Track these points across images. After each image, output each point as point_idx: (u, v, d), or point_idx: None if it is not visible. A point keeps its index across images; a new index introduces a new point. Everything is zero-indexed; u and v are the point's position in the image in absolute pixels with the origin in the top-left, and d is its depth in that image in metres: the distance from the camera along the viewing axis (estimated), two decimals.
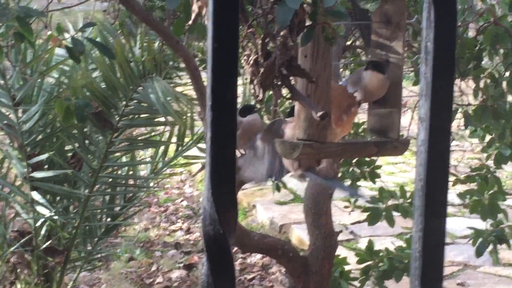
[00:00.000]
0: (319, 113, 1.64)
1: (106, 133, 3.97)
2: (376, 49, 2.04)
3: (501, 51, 3.45)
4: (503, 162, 3.60)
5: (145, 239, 6.47)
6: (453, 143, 7.33)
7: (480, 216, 3.44)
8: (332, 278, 3.63)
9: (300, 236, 5.94)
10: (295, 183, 4.13)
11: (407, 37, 3.34)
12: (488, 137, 3.70)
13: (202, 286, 0.89)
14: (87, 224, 4.23)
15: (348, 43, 3.65)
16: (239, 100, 4.24)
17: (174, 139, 4.38)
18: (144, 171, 4.76)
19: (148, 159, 4.90)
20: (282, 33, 1.64)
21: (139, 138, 4.48)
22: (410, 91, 3.90)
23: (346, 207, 3.81)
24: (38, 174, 3.98)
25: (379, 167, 3.69)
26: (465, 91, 3.60)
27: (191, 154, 4.39)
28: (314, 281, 3.45)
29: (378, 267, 3.62)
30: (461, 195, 3.47)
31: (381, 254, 3.66)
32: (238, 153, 2.62)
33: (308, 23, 1.69)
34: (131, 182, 4.48)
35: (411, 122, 3.52)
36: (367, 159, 3.67)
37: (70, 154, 4.13)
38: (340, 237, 3.79)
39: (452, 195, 3.24)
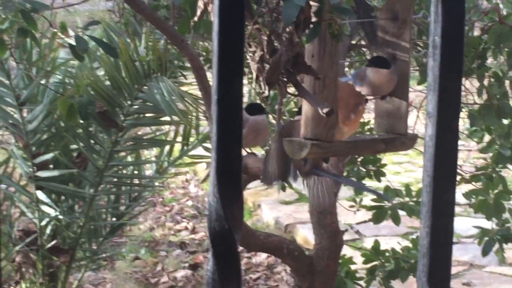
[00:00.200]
0: (325, 110, 1.63)
1: (111, 133, 3.97)
2: (383, 45, 2.04)
3: (506, 50, 3.44)
4: (501, 163, 3.59)
5: (150, 238, 6.46)
6: (459, 142, 7.32)
7: (485, 215, 3.43)
8: (338, 278, 3.62)
9: (305, 235, 5.93)
10: (299, 182, 4.11)
11: (412, 35, 3.33)
12: (487, 137, 3.69)
13: (207, 282, 0.89)
14: (92, 224, 4.23)
15: (353, 42, 3.64)
16: (245, 99, 4.24)
17: (179, 139, 4.38)
18: (149, 170, 4.76)
19: (153, 159, 4.90)
20: (288, 30, 1.64)
21: (144, 137, 4.48)
22: (415, 91, 3.89)
23: (351, 206, 3.80)
24: (43, 174, 3.98)
25: (384, 165, 3.69)
26: (470, 90, 3.59)
27: (196, 153, 4.39)
28: (319, 280, 3.44)
29: (384, 267, 3.61)
30: (466, 195, 3.46)
31: (387, 254, 3.65)
32: (244, 152, 2.61)
33: (313, 20, 1.68)
34: (136, 181, 4.48)
35: (417, 121, 3.51)
36: (372, 157, 3.66)
37: (75, 153, 4.13)
38: (346, 237, 3.78)
39: (458, 195, 3.23)
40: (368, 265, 3.68)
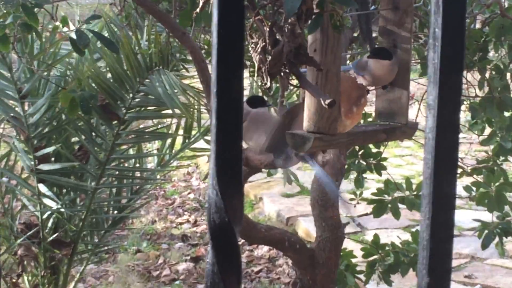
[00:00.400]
0: (327, 101, 1.63)
1: (112, 126, 3.96)
2: (384, 34, 2.04)
3: (507, 42, 3.44)
4: (503, 155, 3.59)
5: (152, 231, 6.47)
6: (460, 135, 7.33)
7: (487, 208, 3.43)
8: (338, 271, 3.62)
9: (307, 228, 5.94)
10: (302, 175, 4.12)
11: (413, 28, 3.33)
12: (488, 130, 3.69)
13: (207, 275, 0.88)
14: (94, 217, 4.23)
15: (355, 34, 3.63)
16: (247, 92, 4.24)
17: (181, 132, 4.38)
18: (151, 163, 4.76)
19: (155, 152, 4.89)
20: (290, 21, 1.63)
21: (146, 130, 4.48)
22: (417, 83, 3.89)
23: (351, 199, 3.80)
24: (44, 167, 3.98)
25: (385, 159, 3.68)
26: (471, 83, 3.59)
27: (198, 146, 4.39)
28: (321, 273, 3.44)
29: (384, 261, 3.61)
30: (467, 188, 3.46)
31: (387, 248, 3.65)
32: (245, 145, 2.61)
33: (316, 11, 1.68)
34: (138, 174, 4.48)
35: (418, 114, 3.51)
36: (374, 151, 3.66)
37: (76, 146, 4.13)
38: (347, 230, 3.79)
39: (459, 188, 3.23)
40: (368, 259, 3.68)
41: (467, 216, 5.80)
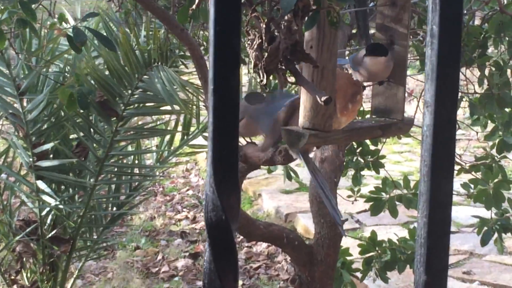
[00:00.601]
0: (323, 98, 1.63)
1: (111, 122, 3.96)
2: (381, 29, 2.04)
3: (506, 39, 3.44)
4: (506, 150, 3.59)
5: (151, 228, 6.48)
6: (459, 132, 7.33)
7: (485, 205, 3.43)
8: (336, 268, 3.62)
9: (305, 225, 5.94)
10: (301, 172, 4.12)
11: (412, 25, 3.33)
12: (490, 125, 3.69)
13: (204, 273, 0.88)
14: (93, 213, 4.24)
15: (354, 31, 3.63)
16: (246, 89, 4.23)
17: (179, 128, 4.37)
18: (149, 160, 4.76)
19: (153, 148, 4.90)
20: (286, 18, 1.63)
21: (145, 127, 4.48)
22: (416, 80, 3.89)
23: (349, 196, 3.80)
24: (43, 163, 3.98)
25: (383, 157, 3.68)
26: (471, 79, 3.59)
27: (197, 143, 4.39)
28: (319, 270, 3.44)
29: (381, 258, 3.60)
30: (465, 186, 3.46)
31: (384, 245, 3.65)
32: (244, 141, 2.61)
33: (312, 8, 1.68)
34: (136, 171, 4.48)
35: (417, 110, 3.51)
36: (372, 148, 3.66)
37: (75, 143, 4.13)
38: (346, 226, 3.79)
39: (457, 184, 3.24)
40: (365, 256, 3.68)
41: (465, 212, 5.81)
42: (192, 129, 4.36)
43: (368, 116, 2.18)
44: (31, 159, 3.99)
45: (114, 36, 3.97)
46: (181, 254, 5.95)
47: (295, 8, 1.60)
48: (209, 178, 0.86)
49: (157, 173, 4.89)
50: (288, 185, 6.54)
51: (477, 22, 3.77)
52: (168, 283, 5.52)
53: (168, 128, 4.48)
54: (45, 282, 4.16)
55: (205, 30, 3.89)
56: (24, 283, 4.23)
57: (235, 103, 0.87)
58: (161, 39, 3.85)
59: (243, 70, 4.01)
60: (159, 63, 3.87)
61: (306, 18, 1.66)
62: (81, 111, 3.83)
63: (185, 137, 4.33)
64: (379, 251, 3.60)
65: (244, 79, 4.94)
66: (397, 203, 3.44)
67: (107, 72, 3.94)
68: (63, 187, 4.20)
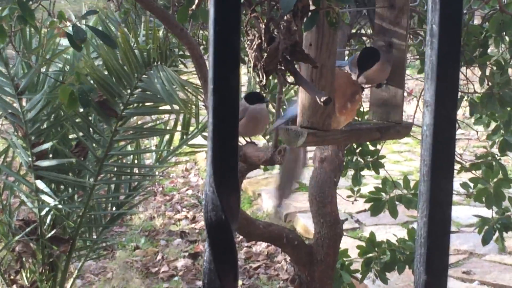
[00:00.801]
0: (323, 98, 1.63)
1: (110, 122, 3.96)
2: (379, 33, 2.03)
3: (507, 38, 3.43)
4: (508, 149, 3.59)
5: (150, 228, 6.47)
6: (459, 131, 7.33)
7: (485, 204, 3.43)
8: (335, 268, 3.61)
9: (305, 224, 5.94)
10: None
11: (412, 24, 3.33)
12: (493, 124, 3.69)
13: (204, 273, 0.88)
14: (92, 213, 4.23)
15: (354, 31, 3.63)
16: (245, 88, 4.23)
17: (179, 128, 4.37)
18: (149, 159, 4.76)
19: (153, 148, 4.89)
20: (285, 18, 1.63)
21: (144, 126, 4.47)
22: (416, 80, 3.89)
23: (349, 196, 3.80)
24: (42, 163, 3.98)
25: (383, 157, 3.68)
26: (471, 79, 3.59)
27: (196, 142, 4.39)
28: (319, 269, 3.44)
29: (380, 259, 3.60)
30: (464, 185, 3.46)
31: (383, 245, 3.64)
32: (244, 141, 2.61)
33: (312, 8, 1.68)
34: (136, 171, 4.48)
35: (417, 110, 3.50)
36: (372, 148, 3.65)
37: (74, 143, 4.13)
38: (346, 226, 3.78)
39: (457, 184, 3.23)
40: (364, 257, 3.67)
41: (465, 212, 5.81)
42: (191, 128, 4.36)
43: (367, 117, 2.18)
44: (30, 159, 3.99)
45: (113, 36, 3.97)
46: (180, 254, 5.94)
47: (294, 8, 1.60)
48: (209, 178, 0.85)
49: (157, 173, 4.89)
50: None
51: (476, 21, 3.76)
52: (168, 283, 5.52)
53: (168, 128, 4.48)
54: (45, 282, 4.16)
55: (205, 29, 3.88)
56: (23, 283, 4.23)
57: (235, 103, 0.87)
58: (160, 38, 3.85)
59: (243, 69, 4.02)
60: (159, 63, 3.87)
61: (306, 18, 1.66)
62: (81, 110, 3.84)
63: (185, 137, 4.33)
64: (379, 252, 3.59)
65: (244, 78, 4.94)
66: (397, 203, 3.44)
67: (106, 72, 3.94)
68: (62, 187, 4.20)
